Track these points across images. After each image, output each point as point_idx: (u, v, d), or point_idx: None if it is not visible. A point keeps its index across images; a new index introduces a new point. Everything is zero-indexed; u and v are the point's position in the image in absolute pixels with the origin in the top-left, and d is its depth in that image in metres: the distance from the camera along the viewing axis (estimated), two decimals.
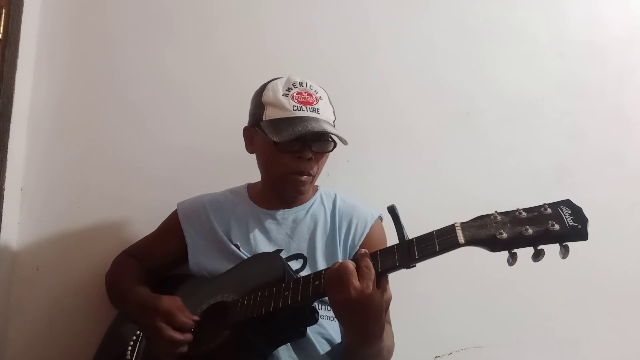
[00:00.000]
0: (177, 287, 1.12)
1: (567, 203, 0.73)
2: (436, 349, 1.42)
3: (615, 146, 1.54)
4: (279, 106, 1.07)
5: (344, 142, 1.09)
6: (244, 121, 1.18)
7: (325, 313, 1.05)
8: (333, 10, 1.54)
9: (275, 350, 0.97)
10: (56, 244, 1.35)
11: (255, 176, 1.22)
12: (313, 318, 0.94)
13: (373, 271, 0.80)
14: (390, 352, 1.01)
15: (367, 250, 0.84)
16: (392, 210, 0.82)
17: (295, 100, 1.07)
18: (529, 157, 1.52)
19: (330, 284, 0.83)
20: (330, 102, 1.15)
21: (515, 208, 0.75)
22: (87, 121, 1.42)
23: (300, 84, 1.11)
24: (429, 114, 1.53)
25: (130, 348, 1.09)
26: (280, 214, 1.17)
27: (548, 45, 1.58)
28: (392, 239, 0.87)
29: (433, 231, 0.79)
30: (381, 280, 0.82)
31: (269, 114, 1.08)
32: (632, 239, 1.49)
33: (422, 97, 1.53)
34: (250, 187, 1.27)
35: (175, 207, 1.23)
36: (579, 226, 0.69)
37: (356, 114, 1.47)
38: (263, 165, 1.17)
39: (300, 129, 1.02)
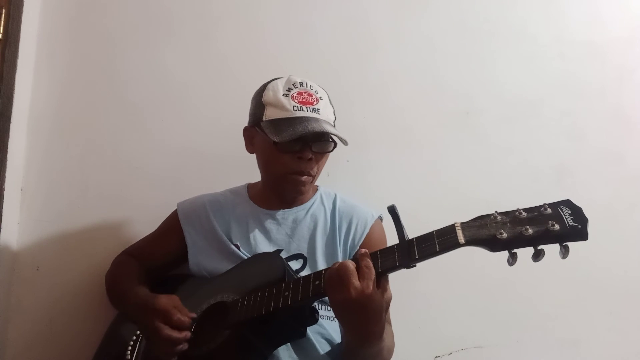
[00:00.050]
0: (177, 287, 1.12)
1: (567, 203, 0.73)
2: (436, 349, 1.42)
3: (615, 146, 1.54)
4: (279, 106, 1.07)
5: (344, 142, 1.09)
6: (244, 121, 1.18)
7: (325, 313, 1.05)
8: (333, 10, 1.54)
9: (275, 350, 0.97)
10: (56, 244, 1.35)
11: (255, 176, 1.22)
12: (313, 318, 0.94)
13: (373, 271, 0.80)
14: (390, 352, 1.01)
15: (367, 250, 0.84)
16: (392, 210, 0.82)
17: (296, 101, 1.07)
18: (529, 157, 1.52)
19: (330, 284, 0.83)
20: (330, 102, 1.15)
21: (515, 208, 0.75)
22: (87, 121, 1.42)
23: (301, 84, 1.11)
24: (429, 114, 1.53)
25: (130, 348, 1.09)
26: (280, 214, 1.17)
27: (548, 45, 1.58)
28: (392, 239, 0.87)
29: (433, 231, 0.79)
30: (381, 280, 0.82)
31: (269, 114, 1.08)
32: (632, 239, 1.49)
33: (422, 97, 1.53)
34: (250, 187, 1.27)
35: (175, 207, 1.23)
36: (579, 226, 0.69)
37: (356, 114, 1.47)
38: (263, 165, 1.17)
39: (300, 129, 1.02)
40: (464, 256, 0.85)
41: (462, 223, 0.77)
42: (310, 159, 1.08)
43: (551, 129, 1.54)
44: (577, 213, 0.71)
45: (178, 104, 1.45)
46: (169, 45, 1.47)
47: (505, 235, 0.72)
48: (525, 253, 0.72)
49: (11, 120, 1.29)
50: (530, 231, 0.71)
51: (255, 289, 0.95)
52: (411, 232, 0.83)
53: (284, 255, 1.10)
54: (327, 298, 0.85)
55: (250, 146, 1.18)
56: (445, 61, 1.56)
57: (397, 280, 0.94)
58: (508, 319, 1.44)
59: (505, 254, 0.73)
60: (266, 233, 1.15)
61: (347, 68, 1.51)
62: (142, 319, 0.99)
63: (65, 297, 1.33)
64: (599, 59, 1.58)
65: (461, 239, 0.75)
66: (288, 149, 1.06)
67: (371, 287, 0.79)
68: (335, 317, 0.87)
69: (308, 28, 1.53)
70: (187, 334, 0.95)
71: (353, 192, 1.31)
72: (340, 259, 1.07)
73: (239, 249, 1.11)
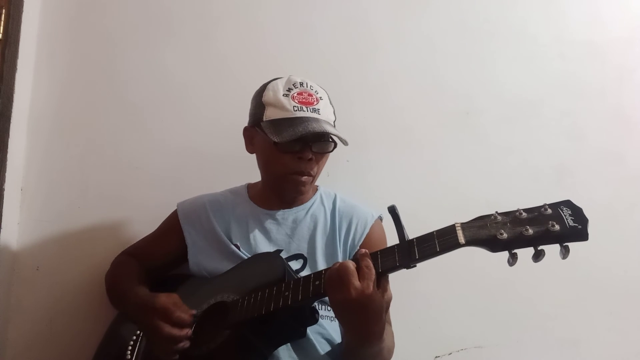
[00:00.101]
0: (177, 287, 1.12)
1: (568, 203, 0.73)
2: (436, 349, 1.42)
3: (615, 146, 1.54)
4: (279, 106, 1.07)
5: (345, 142, 1.09)
6: (244, 121, 1.18)
7: (325, 313, 1.05)
8: (333, 10, 1.54)
9: (275, 350, 0.97)
10: (56, 244, 1.35)
11: (255, 176, 1.22)
12: (313, 318, 0.94)
13: (373, 271, 0.80)
14: (390, 352, 1.01)
15: (367, 250, 0.84)
16: (392, 211, 0.82)
17: (296, 101, 1.07)
18: (529, 157, 1.52)
19: (330, 284, 0.83)
20: (330, 102, 1.15)
21: (515, 208, 0.75)
22: (87, 121, 1.42)
23: (301, 84, 1.11)
24: (429, 114, 1.53)
25: (130, 348, 1.09)
26: (280, 214, 1.17)
27: (548, 45, 1.58)
28: (392, 239, 0.87)
29: (433, 231, 0.79)
30: (381, 281, 0.82)
31: (270, 114, 1.08)
32: (632, 239, 1.49)
33: (422, 97, 1.53)
34: (250, 187, 1.27)
35: (175, 207, 1.23)
36: (579, 227, 0.69)
37: (356, 114, 1.47)
38: (263, 165, 1.17)
39: (300, 129, 1.02)
40: (464, 256, 0.85)
41: (462, 223, 0.77)
42: (311, 159, 1.08)
43: (551, 129, 1.54)
44: (578, 213, 0.71)
45: (178, 104, 1.45)
46: (169, 45, 1.47)
47: (505, 235, 0.72)
48: (525, 253, 0.72)
49: (11, 120, 1.29)
50: (531, 231, 0.71)
51: (256, 289, 0.95)
52: (411, 232, 0.83)
53: (284, 255, 1.10)
54: (327, 298, 0.85)
55: (250, 146, 1.18)
56: (445, 61, 1.56)
57: (397, 280, 0.94)
58: (508, 319, 1.44)
59: (505, 254, 0.73)
60: (266, 233, 1.15)
61: (347, 68, 1.51)
62: (142, 318, 0.99)
63: (65, 297, 1.33)
64: (599, 59, 1.58)
65: (461, 239, 0.75)
66: (288, 149, 1.06)
67: (371, 287, 0.79)
68: (335, 317, 0.87)
69: (308, 28, 1.53)
70: (188, 331, 0.94)
71: (353, 192, 1.31)
72: (340, 259, 1.07)
73: (239, 249, 1.11)
